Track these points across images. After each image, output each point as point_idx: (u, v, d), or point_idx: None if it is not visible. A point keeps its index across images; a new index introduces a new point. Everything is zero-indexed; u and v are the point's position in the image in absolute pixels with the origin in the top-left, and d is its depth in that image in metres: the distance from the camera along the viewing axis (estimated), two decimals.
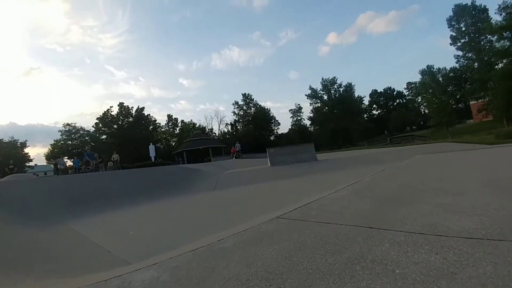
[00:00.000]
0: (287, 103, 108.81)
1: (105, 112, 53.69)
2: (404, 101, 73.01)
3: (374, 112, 75.44)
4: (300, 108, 66.65)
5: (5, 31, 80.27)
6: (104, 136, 52.93)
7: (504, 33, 32.17)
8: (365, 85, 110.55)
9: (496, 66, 36.21)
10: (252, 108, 66.04)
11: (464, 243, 1.52)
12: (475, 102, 44.52)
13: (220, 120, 66.96)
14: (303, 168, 11.91)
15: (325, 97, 61.49)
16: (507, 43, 32.48)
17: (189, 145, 43.52)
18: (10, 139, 49.25)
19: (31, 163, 51.03)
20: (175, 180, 11.85)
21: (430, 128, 43.73)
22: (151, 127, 57.51)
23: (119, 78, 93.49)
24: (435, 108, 41.71)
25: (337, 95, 60.48)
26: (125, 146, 44.25)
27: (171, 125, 65.42)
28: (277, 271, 1.40)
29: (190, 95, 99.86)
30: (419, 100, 63.44)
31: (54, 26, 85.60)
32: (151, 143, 30.69)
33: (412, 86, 66.58)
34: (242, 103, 66.16)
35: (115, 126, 53.24)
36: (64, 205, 8.26)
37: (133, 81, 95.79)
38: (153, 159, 27.58)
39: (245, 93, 66.44)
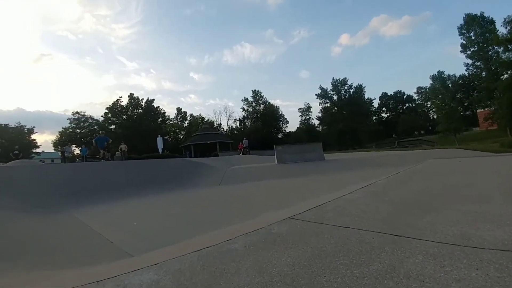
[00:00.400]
0: (296, 101, 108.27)
1: (114, 102, 54.21)
2: (414, 105, 71.72)
3: (383, 114, 74.36)
4: (309, 107, 66.11)
5: (17, 16, 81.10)
6: (112, 126, 53.42)
7: (509, 46, 32.84)
8: (375, 87, 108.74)
9: (502, 77, 36.27)
10: (261, 105, 65.74)
11: (503, 256, 1.34)
12: (482, 110, 44.05)
13: (229, 115, 66.93)
14: (310, 167, 11.66)
15: (335, 97, 60.78)
16: None
17: (197, 139, 43.53)
18: (16, 125, 49.59)
19: (38, 150, 51.58)
20: (182, 174, 11.75)
21: (438, 133, 42.95)
22: (160, 119, 57.81)
23: (131, 69, 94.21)
24: (444, 114, 41.11)
25: (347, 96, 59.71)
26: (133, 137, 44.63)
27: (180, 118, 65.68)
28: (296, 283, 1.21)
29: (200, 89, 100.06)
30: (429, 105, 62.27)
31: (67, 13, 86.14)
32: (159, 135, 30.78)
33: (422, 90, 65.41)
34: (251, 99, 65.95)
35: (124, 117, 53.67)
36: (68, 194, 8.19)
37: (144, 72, 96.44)
38: (160, 151, 27.68)
39: (255, 90, 66.21)
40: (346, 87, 60.12)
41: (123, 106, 54.20)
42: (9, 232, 4.61)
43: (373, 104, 66.73)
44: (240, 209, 5.65)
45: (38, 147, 52.24)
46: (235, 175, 11.32)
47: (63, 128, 53.69)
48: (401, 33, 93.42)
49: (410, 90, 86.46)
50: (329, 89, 60.69)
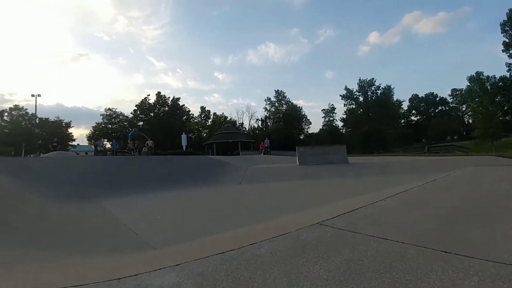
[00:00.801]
0: (320, 102, 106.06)
1: (143, 100, 56.61)
2: (447, 108, 67.17)
3: (412, 118, 70.50)
4: (333, 108, 64.31)
5: (58, 18, 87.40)
6: (141, 123, 55.71)
7: None
8: (405, 88, 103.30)
9: None
10: (284, 105, 65.13)
11: None
12: None
13: (251, 115, 67.03)
14: (333, 170, 11.27)
15: (361, 98, 58.58)
16: None
17: (219, 138, 44.13)
18: (56, 119, 53.21)
19: (74, 143, 54.95)
20: (204, 171, 11.88)
21: (474, 139, 39.57)
22: (184, 117, 59.42)
23: (159, 69, 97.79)
24: (481, 119, 37.80)
25: (374, 98, 57.29)
26: (160, 134, 46.17)
27: (203, 116, 66.99)
28: None
29: (223, 88, 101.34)
30: (464, 109, 57.95)
31: (102, 15, 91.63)
32: (183, 133, 31.70)
33: (457, 93, 61.04)
34: (274, 99, 65.56)
35: (152, 114, 55.88)
36: (99, 184, 8.59)
37: (171, 72, 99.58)
38: (184, 148, 28.45)
39: (278, 90, 65.72)
40: (373, 88, 57.68)
41: (150, 103, 56.50)
42: (49, 218, 4.89)
43: (402, 106, 63.46)
44: (261, 208, 5.54)
45: (74, 140, 55.73)
46: (256, 174, 11.23)
47: (96, 123, 57.03)
48: (436, 30, 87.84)
49: (443, 92, 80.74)
50: (355, 90, 58.62)
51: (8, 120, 49.08)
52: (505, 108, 47.37)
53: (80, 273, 2.02)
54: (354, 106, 59.46)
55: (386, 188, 4.40)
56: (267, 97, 66.11)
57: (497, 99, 44.88)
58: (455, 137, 58.80)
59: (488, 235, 1.77)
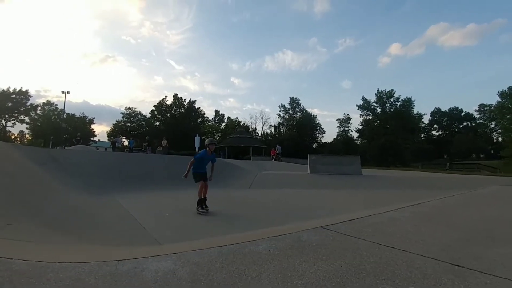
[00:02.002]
0: (335, 111, 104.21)
1: (161, 101, 58.26)
2: (473, 124, 64.08)
3: (434, 132, 67.87)
4: (349, 118, 63.25)
5: (89, 22, 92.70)
6: (157, 123, 57.34)
7: None
8: (427, 102, 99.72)
9: None
10: (298, 113, 64.79)
11: None
12: None
13: (265, 121, 67.16)
14: (345, 181, 11.01)
15: (379, 110, 57.26)
16: None
17: (231, 141, 44.45)
18: (81, 115, 56.71)
19: (95, 138, 57.71)
20: (215, 173, 11.93)
21: (503, 159, 37.30)
22: (199, 119, 60.65)
23: (178, 72, 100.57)
24: (509, 137, 35.64)
25: (392, 109, 55.83)
26: (175, 134, 47.20)
27: (217, 120, 67.90)
28: None
29: (239, 93, 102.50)
30: (492, 126, 55.05)
31: (130, 20, 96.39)
32: (197, 134, 32.16)
33: (485, 108, 58.20)
34: (288, 106, 65.40)
35: (168, 115, 57.36)
36: (114, 179, 8.87)
37: (189, 75, 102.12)
38: (197, 149, 28.84)
39: (292, 97, 65.53)
40: (392, 100, 56.24)
41: (167, 105, 58.15)
42: (69, 207, 5.11)
43: (422, 120, 61.41)
44: (268, 214, 5.48)
45: (95, 136, 58.69)
46: (266, 180, 11.15)
47: (116, 121, 59.36)
48: (465, 43, 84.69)
49: (469, 108, 76.96)
50: (372, 101, 57.45)
51: (40, 114, 52.73)
52: None
53: (85, 255, 2.07)
54: (371, 117, 58.16)
55: (398, 201, 4.24)
56: (281, 104, 66.04)
57: None
58: (481, 156, 55.84)
59: (507, 253, 1.65)
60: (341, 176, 11.83)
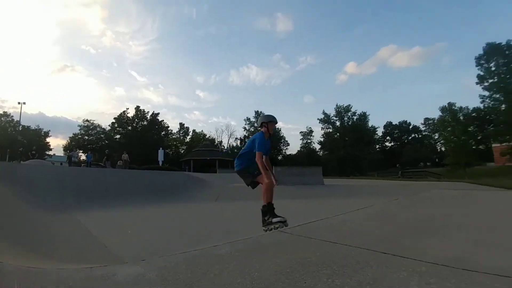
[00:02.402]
0: (298, 125, 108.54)
1: (121, 113, 55.66)
2: (420, 136, 71.67)
3: (387, 144, 74.19)
4: (311, 131, 66.41)
5: (48, 30, 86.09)
6: (118, 136, 54.46)
7: None
8: (380, 116, 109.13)
9: None
10: None
11: (497, 281, 1.31)
12: (498, 145, 42.68)
13: (230, 134, 67.41)
14: (309, 190, 11.58)
15: (338, 123, 61.25)
16: None
17: (197, 155, 43.69)
18: (36, 127, 52.22)
19: (50, 152, 53.08)
20: (180, 187, 11.71)
21: (446, 166, 42.11)
22: (163, 132, 58.88)
23: (141, 84, 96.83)
24: (452, 147, 40.56)
25: (350, 123, 60.14)
26: (136, 148, 45.10)
27: (182, 133, 66.44)
28: (276, 286, 1.22)
29: (204, 107, 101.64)
30: (436, 137, 61.98)
31: (91, 29, 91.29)
32: (161, 148, 31.13)
33: (429, 122, 65.52)
34: (254, 120, 66.70)
35: (130, 128, 54.86)
36: (71, 195, 8.38)
37: (152, 87, 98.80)
38: (160, 163, 27.87)
39: (257, 111, 66.99)
40: (349, 114, 60.74)
41: (129, 117, 55.77)
42: (27, 223, 4.70)
43: (377, 132, 66.88)
44: (235, 225, 5.59)
45: (51, 149, 54.05)
46: (232, 193, 11.23)
47: (73, 134, 55.19)
48: (411, 64, 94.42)
49: (417, 121, 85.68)
50: (332, 115, 61.39)
51: None
52: (479, 138, 50.59)
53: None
54: (331, 130, 61.84)
55: (353, 206, 4.68)
56: (247, 117, 67.16)
57: (470, 129, 48.18)
58: (428, 164, 62.31)
59: (430, 244, 2.01)
60: (305, 187, 12.40)
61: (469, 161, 38.89)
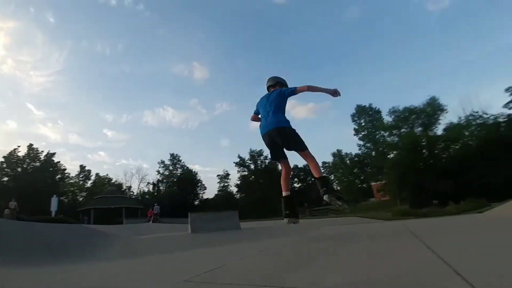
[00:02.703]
0: (216, 168, 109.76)
1: (12, 151, 44.96)
2: None
3: (295, 185, 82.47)
4: (228, 174, 68.13)
5: None
6: (6, 178, 42.74)
7: (393, 131, 43.61)
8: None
9: (388, 156, 46.65)
10: (179, 169, 64.08)
11: None
12: (375, 183, 54.36)
13: (142, 178, 61.88)
14: (224, 236, 11.64)
15: (252, 166, 65.22)
16: (396, 139, 43.60)
17: (99, 203, 37.77)
18: None
19: None
20: (73, 243, 9.81)
21: None
22: (58, 176, 49.13)
23: (37, 118, 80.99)
24: (344, 186, 49.07)
25: (263, 166, 64.97)
26: (26, 194, 35.91)
27: (82, 177, 56.98)
28: None
29: (112, 147, 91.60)
30: (332, 178, 73.31)
31: None
32: (54, 195, 25.85)
33: (326, 165, 77.49)
34: (168, 162, 63.86)
35: (20, 169, 44.03)
36: None
37: (51, 123, 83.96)
38: (53, 213, 22.90)
39: (173, 153, 64.91)
40: (262, 158, 66.02)
41: (19, 157, 45.05)
42: None
43: None
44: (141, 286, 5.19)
45: None
46: (140, 247, 10.19)
47: None
48: (309, 116, 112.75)
49: None
50: (247, 158, 65.29)
51: None
52: (362, 178, 62.49)
53: None
54: (246, 173, 65.04)
55: (257, 247, 5.21)
56: (161, 160, 63.96)
57: (355, 171, 59.66)
58: None
59: (307, 273, 2.62)
60: (221, 232, 12.38)
61: (356, 198, 47.59)
